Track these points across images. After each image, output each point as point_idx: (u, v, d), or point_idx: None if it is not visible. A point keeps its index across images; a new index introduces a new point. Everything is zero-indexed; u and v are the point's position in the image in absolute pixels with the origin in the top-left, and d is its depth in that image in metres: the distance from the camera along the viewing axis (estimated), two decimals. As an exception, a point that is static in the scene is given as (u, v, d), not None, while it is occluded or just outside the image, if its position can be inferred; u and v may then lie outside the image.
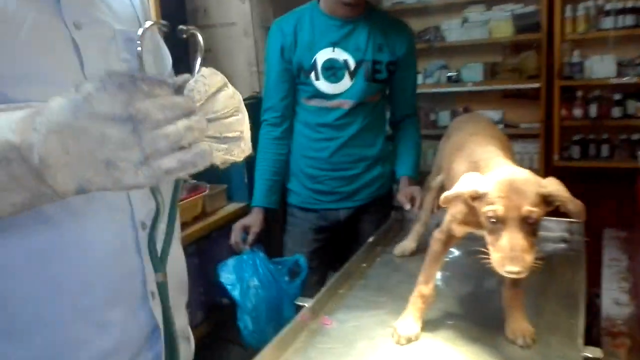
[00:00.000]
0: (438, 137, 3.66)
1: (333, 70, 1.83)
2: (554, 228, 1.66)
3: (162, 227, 0.74)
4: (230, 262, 1.78)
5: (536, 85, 3.33)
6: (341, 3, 1.79)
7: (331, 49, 1.83)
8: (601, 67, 3.21)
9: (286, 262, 1.86)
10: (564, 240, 1.65)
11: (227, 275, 1.73)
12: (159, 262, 0.74)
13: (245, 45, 2.47)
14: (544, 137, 3.32)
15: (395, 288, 1.38)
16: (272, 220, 1.97)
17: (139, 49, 0.57)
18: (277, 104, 1.90)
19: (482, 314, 1.26)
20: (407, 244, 1.61)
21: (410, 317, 1.17)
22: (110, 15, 0.80)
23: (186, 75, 0.67)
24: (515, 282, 1.13)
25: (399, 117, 2.05)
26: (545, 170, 3.27)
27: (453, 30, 3.58)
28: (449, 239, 1.15)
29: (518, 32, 3.40)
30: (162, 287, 0.75)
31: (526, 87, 3.41)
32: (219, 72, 0.67)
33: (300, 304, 1.23)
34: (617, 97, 3.25)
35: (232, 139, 0.68)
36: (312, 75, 1.83)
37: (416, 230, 1.62)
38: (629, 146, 3.26)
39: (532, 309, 1.21)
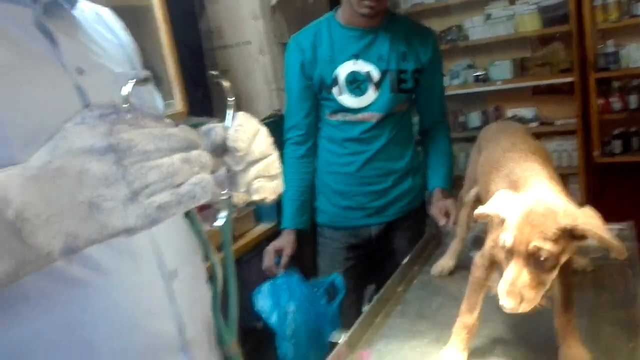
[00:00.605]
0: (469, 140, 3.55)
1: (357, 83, 1.76)
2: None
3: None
4: (265, 287, 1.72)
5: (569, 79, 3.19)
6: (359, 13, 1.72)
7: (353, 61, 1.76)
8: (638, 55, 3.06)
9: (322, 283, 1.79)
10: (614, 249, 1.54)
11: (263, 303, 1.67)
12: (227, 331, 0.67)
13: (262, 63, 2.42)
14: (582, 133, 3.17)
15: (436, 313, 1.30)
16: (303, 241, 1.91)
17: (125, 106, 0.52)
18: (300, 122, 1.84)
19: (532, 338, 1.16)
20: (445, 262, 1.52)
21: (455, 348, 1.09)
22: (107, 58, 0.76)
23: (220, 132, 0.66)
24: (566, 307, 1.04)
25: (428, 125, 1.96)
26: (586, 167, 3.12)
27: (476, 28, 3.47)
28: (492, 264, 1.07)
29: (546, 25, 3.27)
30: None
31: (559, 82, 3.27)
32: (250, 115, 0.69)
33: (335, 341, 1.16)
34: (657, 85, 3.10)
35: (276, 176, 0.70)
36: (335, 89, 1.77)
37: (453, 247, 1.54)
38: (673, 137, 3.10)
39: (586, 332, 1.11)
